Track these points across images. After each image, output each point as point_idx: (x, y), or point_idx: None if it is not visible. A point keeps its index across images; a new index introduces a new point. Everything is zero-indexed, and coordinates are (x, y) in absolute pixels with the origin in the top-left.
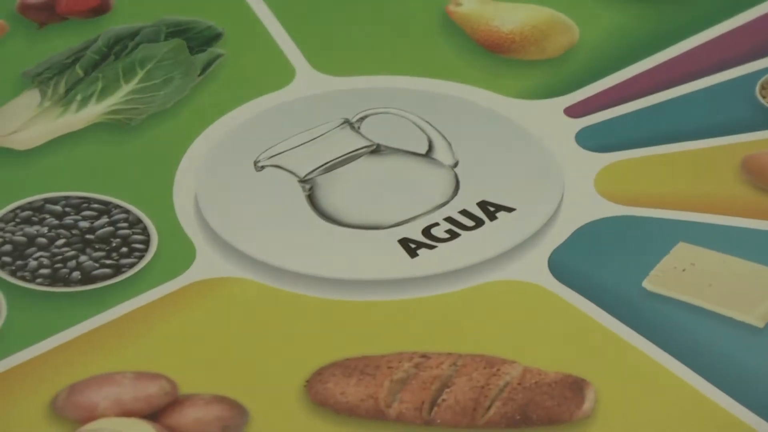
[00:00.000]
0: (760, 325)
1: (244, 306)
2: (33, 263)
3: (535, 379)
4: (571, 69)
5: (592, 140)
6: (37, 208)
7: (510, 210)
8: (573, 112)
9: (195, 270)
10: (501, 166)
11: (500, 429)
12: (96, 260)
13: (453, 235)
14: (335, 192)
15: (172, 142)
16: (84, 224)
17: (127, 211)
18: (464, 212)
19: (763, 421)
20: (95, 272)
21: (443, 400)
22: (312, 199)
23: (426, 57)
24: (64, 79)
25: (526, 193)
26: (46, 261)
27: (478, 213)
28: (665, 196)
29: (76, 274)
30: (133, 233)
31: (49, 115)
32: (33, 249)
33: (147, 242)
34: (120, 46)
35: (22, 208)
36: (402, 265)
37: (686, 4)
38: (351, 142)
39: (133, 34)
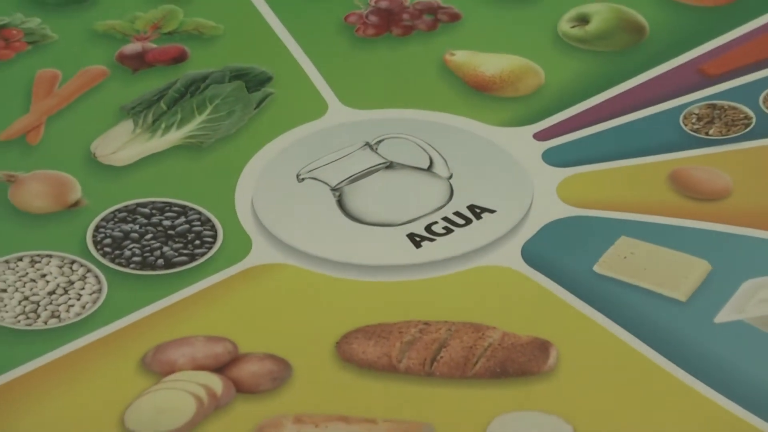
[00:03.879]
0: (683, 299)
1: (289, 285)
2: (127, 252)
3: (511, 341)
4: (539, 104)
5: (555, 158)
6: (131, 210)
7: (492, 211)
8: (540, 136)
9: (251, 258)
10: (485, 178)
11: (485, 379)
12: (176, 250)
13: (448, 231)
14: (358, 198)
15: (234, 160)
16: (167, 223)
17: (199, 213)
18: (457, 213)
19: (684, 372)
20: (175, 259)
21: (441, 357)
22: (341, 204)
23: (428, 95)
24: (152, 111)
25: (504, 199)
26: (137, 251)
27: (468, 214)
28: (610, 201)
29: (161, 261)
30: (204, 230)
31: (140, 139)
32: (127, 242)
33: (215, 236)
34: (194, 87)
35: (119, 210)
36: (409, 254)
37: (627, 56)
38: (370, 159)
39: (205, 77)
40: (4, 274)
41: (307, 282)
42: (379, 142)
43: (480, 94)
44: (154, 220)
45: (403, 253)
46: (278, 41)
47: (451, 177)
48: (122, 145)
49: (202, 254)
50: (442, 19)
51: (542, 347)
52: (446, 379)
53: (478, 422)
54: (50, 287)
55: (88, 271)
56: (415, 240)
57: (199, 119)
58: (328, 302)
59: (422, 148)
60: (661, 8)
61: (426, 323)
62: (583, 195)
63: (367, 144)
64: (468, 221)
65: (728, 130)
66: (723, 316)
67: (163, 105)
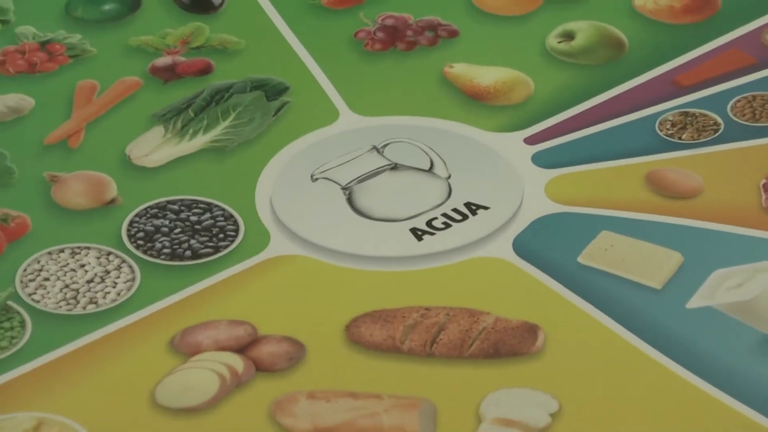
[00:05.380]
0: (658, 287)
1: (303, 274)
2: (158, 245)
3: (503, 324)
4: (529, 112)
5: (543, 160)
6: (161, 207)
7: (486, 208)
8: (530, 141)
9: (269, 250)
10: (480, 178)
11: (479, 359)
12: (202, 243)
13: (447, 226)
14: (366, 196)
15: (255, 162)
16: (194, 218)
17: (223, 209)
18: (455, 210)
19: (658, 352)
20: (201, 251)
21: (440, 339)
22: (350, 201)
23: (429, 103)
24: (180, 118)
25: (497, 197)
26: (167, 243)
27: (464, 210)
28: (593, 199)
29: (188, 253)
30: (228, 225)
31: (170, 143)
32: (158, 235)
33: (237, 231)
34: (219, 96)
35: (151, 207)
36: (412, 246)
37: (608, 68)
38: (377, 161)
39: (228, 88)
40: (48, 264)
41: (319, 271)
42: (385, 145)
43: (476, 103)
44: (183, 215)
45: (406, 245)
46: (294, 55)
47: (449, 177)
48: (154, 148)
49: (226, 246)
50: (442, 36)
51: (531, 330)
52: (445, 359)
53: (474, 398)
54: (89, 276)
55: (123, 261)
56: (417, 234)
57: (223, 125)
58: (339, 290)
59: (424, 151)
60: (640, 26)
61: (426, 309)
62: (568, 194)
63: (374, 147)
64: (465, 217)
65: (699, 135)
66: (694, 302)
67: (191, 112)
